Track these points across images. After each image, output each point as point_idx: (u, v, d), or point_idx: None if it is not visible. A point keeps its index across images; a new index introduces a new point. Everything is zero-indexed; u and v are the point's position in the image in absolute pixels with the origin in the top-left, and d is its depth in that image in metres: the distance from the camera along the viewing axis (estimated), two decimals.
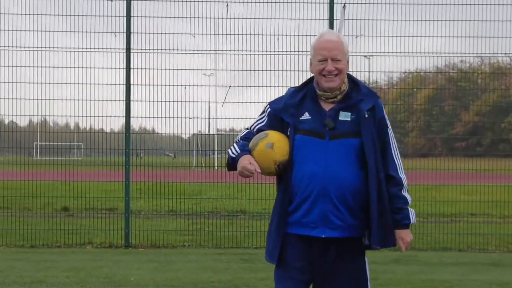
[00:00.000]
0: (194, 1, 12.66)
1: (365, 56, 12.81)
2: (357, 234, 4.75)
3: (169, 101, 12.89)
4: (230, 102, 13.14)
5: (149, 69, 12.78)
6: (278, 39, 12.41)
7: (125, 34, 12.52)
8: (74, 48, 12.88)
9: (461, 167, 13.31)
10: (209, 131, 17.13)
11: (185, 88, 12.68)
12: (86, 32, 12.75)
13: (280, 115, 4.84)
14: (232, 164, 4.84)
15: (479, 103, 18.45)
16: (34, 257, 11.45)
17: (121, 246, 12.62)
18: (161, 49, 12.75)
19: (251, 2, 12.56)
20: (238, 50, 12.70)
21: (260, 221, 14.24)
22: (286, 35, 12.56)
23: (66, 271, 10.30)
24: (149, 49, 12.71)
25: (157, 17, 12.62)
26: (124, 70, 12.55)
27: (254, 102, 13.10)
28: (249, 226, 13.95)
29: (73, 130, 16.49)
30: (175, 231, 13.36)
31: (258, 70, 12.74)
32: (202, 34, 12.72)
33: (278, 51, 12.67)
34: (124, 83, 12.54)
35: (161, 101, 12.84)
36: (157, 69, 12.84)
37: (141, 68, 12.74)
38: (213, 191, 16.22)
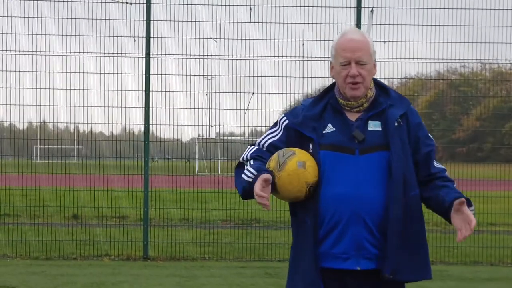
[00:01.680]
0: (217, 5, 12.23)
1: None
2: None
3: (187, 108, 12.50)
4: (252, 109, 12.68)
5: (167, 75, 12.36)
6: (303, 44, 11.99)
7: (145, 39, 12.05)
8: (88, 52, 12.43)
9: (462, 173, 12.94)
10: (209, 135, 16.77)
11: (206, 94, 12.26)
12: (101, 36, 12.28)
13: (299, 129, 4.13)
14: (249, 189, 4.02)
15: (480, 108, 18.21)
16: (50, 271, 10.99)
17: (139, 259, 12.17)
18: (179, 54, 12.32)
19: (275, 6, 12.16)
20: (263, 56, 12.29)
21: (278, 231, 13.84)
22: (312, 40, 12.15)
23: (85, 286, 9.85)
24: (168, 54, 12.26)
25: (176, 21, 12.19)
26: (144, 76, 12.08)
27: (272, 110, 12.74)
28: (268, 237, 13.51)
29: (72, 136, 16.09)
30: (192, 242, 12.93)
31: (285, 77, 12.32)
32: (223, 39, 12.28)
33: (305, 56, 12.31)
34: (144, 89, 12.09)
35: (180, 108, 12.43)
36: (174, 75, 12.41)
37: (160, 74, 12.29)
38: (224, 198, 15.85)
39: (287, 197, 4.04)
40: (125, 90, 12.10)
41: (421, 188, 4.12)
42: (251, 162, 4.14)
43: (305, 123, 4.13)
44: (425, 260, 4.10)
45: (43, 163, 14.62)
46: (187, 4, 12.19)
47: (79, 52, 12.31)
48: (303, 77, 12.61)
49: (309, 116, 4.14)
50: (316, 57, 12.24)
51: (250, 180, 4.00)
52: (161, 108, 12.36)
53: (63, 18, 12.19)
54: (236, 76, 12.70)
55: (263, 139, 4.25)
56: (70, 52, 12.36)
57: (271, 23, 12.19)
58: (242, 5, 12.21)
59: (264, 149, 4.20)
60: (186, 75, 12.52)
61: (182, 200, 14.31)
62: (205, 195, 14.48)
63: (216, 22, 12.24)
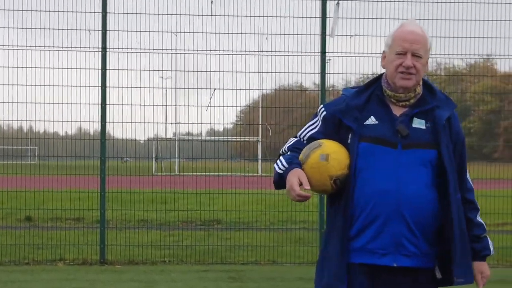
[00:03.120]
0: None
1: (328, 59, 12.02)
2: (430, 264, 4.01)
3: (145, 105, 12.01)
4: (212, 106, 12.20)
5: (124, 70, 11.83)
6: (266, 38, 11.56)
7: (100, 32, 11.49)
8: (41, 46, 11.81)
9: None
10: (166, 135, 16.35)
11: (167, 91, 11.75)
12: (53, 29, 11.68)
13: (340, 117, 4.03)
14: (279, 181, 4.03)
15: None
16: (1, 277, 10.43)
17: (95, 263, 11.61)
18: (138, 49, 11.80)
19: None
20: (221, 50, 11.82)
21: (240, 232, 13.43)
22: (276, 34, 11.72)
23: None
24: (126, 48, 11.72)
25: (134, 13, 11.66)
26: (100, 71, 11.52)
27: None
28: (230, 239, 13.07)
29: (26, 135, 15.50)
30: (151, 245, 12.40)
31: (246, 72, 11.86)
32: (183, 32, 11.78)
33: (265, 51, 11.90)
34: (100, 85, 11.53)
35: (137, 104, 11.93)
36: (132, 70, 11.90)
37: (117, 69, 11.75)
38: (183, 199, 15.40)
39: (314, 190, 4.01)
40: (80, 86, 11.56)
41: None
42: (288, 154, 4.12)
43: (347, 112, 4.04)
44: (471, 263, 4.08)
45: None
46: None
47: (30, 46, 11.71)
48: (262, 72, 12.32)
49: (353, 105, 4.05)
50: (277, 51, 11.82)
51: (281, 172, 4.01)
52: (118, 105, 11.83)
53: (12, 10, 11.58)
54: (194, 71, 12.30)
55: (303, 131, 4.21)
56: (22, 46, 11.74)
57: (232, 16, 11.74)
58: None
59: (304, 141, 4.15)
60: (144, 70, 12.08)
61: (139, 201, 13.83)
62: (164, 195, 13.99)
63: (176, 15, 11.74)
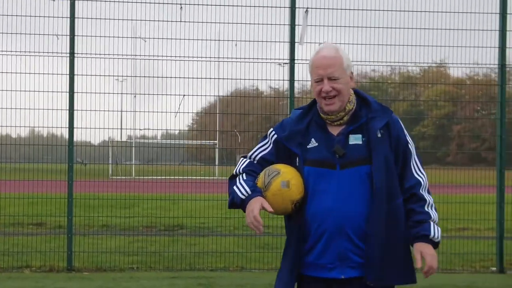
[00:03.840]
0: (142, 2, 11.67)
1: (279, 64, 12.10)
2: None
3: (114, 111, 11.95)
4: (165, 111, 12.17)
5: (93, 75, 11.71)
6: (236, 45, 11.56)
7: (68, 37, 11.37)
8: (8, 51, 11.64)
9: None
10: (121, 138, 16.24)
11: (135, 96, 11.69)
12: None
13: (286, 144, 4.32)
14: (239, 204, 4.26)
15: None
16: None
17: (63, 270, 11.45)
18: (106, 54, 11.70)
19: (207, 5, 11.68)
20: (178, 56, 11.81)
21: (206, 238, 13.39)
22: (246, 41, 11.73)
23: None
24: (94, 54, 11.61)
25: (102, 19, 11.55)
26: (68, 76, 11.40)
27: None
28: (196, 245, 13.01)
29: None
30: (119, 252, 12.29)
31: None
32: (152, 38, 11.71)
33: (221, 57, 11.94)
34: (68, 90, 11.41)
35: (101, 110, 11.83)
36: (96, 75, 11.78)
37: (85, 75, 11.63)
38: (144, 204, 15.29)
39: (276, 213, 4.26)
40: (47, 91, 11.39)
41: None
42: (244, 176, 4.32)
43: (291, 138, 4.30)
44: (409, 264, 4.28)
45: None
46: (113, 1, 11.56)
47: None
48: (219, 78, 12.36)
49: (296, 131, 4.31)
50: (233, 58, 11.85)
51: (244, 197, 4.21)
52: (81, 110, 11.71)
53: None
54: (150, 77, 12.25)
55: (254, 152, 4.43)
56: None
57: (202, 22, 11.74)
58: (171, 4, 11.67)
59: (256, 162, 4.39)
60: (109, 76, 11.96)
61: (100, 206, 13.63)
62: (125, 201, 13.75)
63: (141, 20, 11.68)
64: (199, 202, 12.96)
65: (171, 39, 11.71)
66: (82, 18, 11.46)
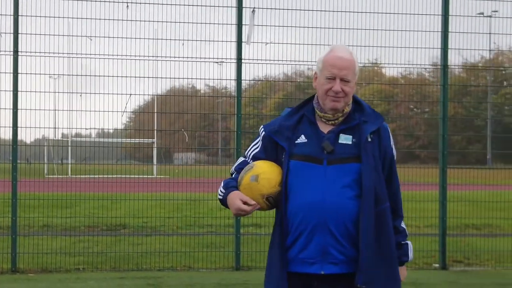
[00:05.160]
0: (89, 1, 11.54)
1: (217, 63, 12.19)
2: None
3: (62, 110, 11.82)
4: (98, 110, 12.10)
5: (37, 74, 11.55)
6: (183, 44, 11.54)
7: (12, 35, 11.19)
8: None
9: None
10: (55, 136, 16.01)
11: (80, 95, 11.58)
12: None
13: (274, 138, 4.36)
14: (223, 204, 4.41)
15: None
16: None
17: (7, 272, 11.26)
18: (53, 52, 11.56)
19: (153, 3, 11.63)
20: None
21: (150, 237, 13.29)
22: (192, 40, 11.72)
23: None
24: (39, 52, 11.44)
25: (48, 17, 11.39)
26: (12, 75, 11.21)
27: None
28: (141, 244, 12.90)
29: None
30: (63, 252, 12.13)
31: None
32: (100, 37, 11.60)
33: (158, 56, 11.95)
34: (12, 89, 11.22)
35: (46, 109, 11.72)
36: (41, 74, 11.65)
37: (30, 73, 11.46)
38: (84, 203, 15.07)
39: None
40: None
41: None
42: (234, 176, 4.45)
43: (280, 132, 4.35)
44: (396, 272, 4.32)
45: None
46: None
47: None
48: (156, 77, 12.36)
49: (285, 126, 4.35)
50: (170, 57, 11.86)
51: (221, 197, 4.37)
52: (26, 109, 11.55)
53: None
54: (82, 75, 12.15)
55: (248, 150, 4.51)
56: None
57: (148, 21, 11.69)
58: (118, 2, 11.58)
59: (249, 160, 4.45)
60: (49, 74, 11.85)
61: (40, 206, 13.39)
62: (66, 201, 13.53)
63: (90, 19, 11.56)
64: (141, 201, 12.90)
65: (113, 37, 11.63)
66: (26, 16, 11.26)
